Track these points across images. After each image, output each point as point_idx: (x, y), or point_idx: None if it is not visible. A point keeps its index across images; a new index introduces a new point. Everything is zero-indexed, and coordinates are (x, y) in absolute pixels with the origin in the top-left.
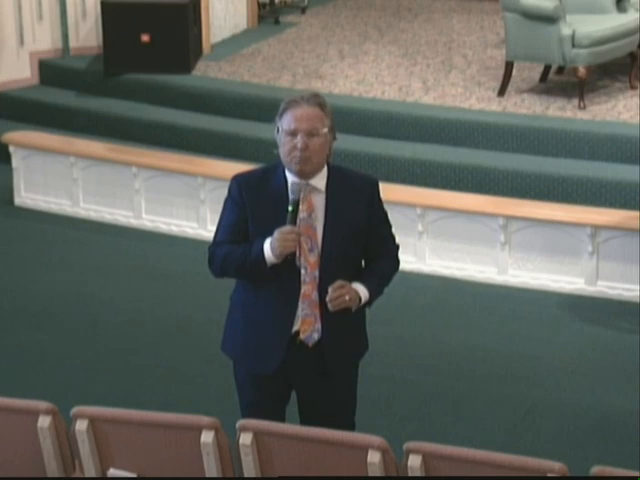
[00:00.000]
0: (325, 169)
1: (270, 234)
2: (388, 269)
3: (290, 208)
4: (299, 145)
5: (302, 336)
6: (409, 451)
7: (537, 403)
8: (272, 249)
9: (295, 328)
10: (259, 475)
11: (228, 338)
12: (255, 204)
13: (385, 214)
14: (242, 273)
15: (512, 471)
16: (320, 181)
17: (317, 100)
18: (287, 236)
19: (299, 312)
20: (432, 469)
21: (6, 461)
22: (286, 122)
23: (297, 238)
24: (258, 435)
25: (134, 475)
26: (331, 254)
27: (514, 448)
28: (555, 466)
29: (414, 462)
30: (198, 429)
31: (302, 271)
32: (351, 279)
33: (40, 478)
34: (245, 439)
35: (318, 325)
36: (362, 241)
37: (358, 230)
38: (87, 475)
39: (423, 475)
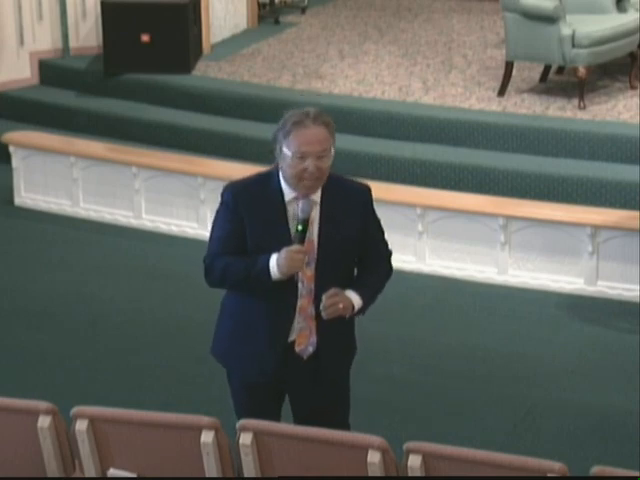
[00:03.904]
0: None
1: (267, 245)
2: (381, 277)
3: (300, 227)
4: (311, 169)
5: (297, 349)
6: (409, 451)
7: (537, 403)
8: (279, 267)
9: (291, 338)
10: (259, 475)
11: (218, 343)
12: (251, 214)
13: (378, 221)
14: (242, 286)
15: (512, 471)
16: (316, 194)
17: (323, 119)
18: (295, 255)
19: (295, 324)
20: (432, 469)
21: (6, 461)
22: (294, 144)
23: (304, 257)
24: (258, 435)
25: (134, 475)
26: (326, 266)
27: (514, 448)
28: (555, 466)
29: (414, 462)
30: (198, 429)
31: (299, 285)
32: (344, 288)
33: (40, 478)
34: (245, 439)
35: (313, 338)
36: (356, 250)
37: (352, 240)
38: (87, 475)
39: (423, 475)
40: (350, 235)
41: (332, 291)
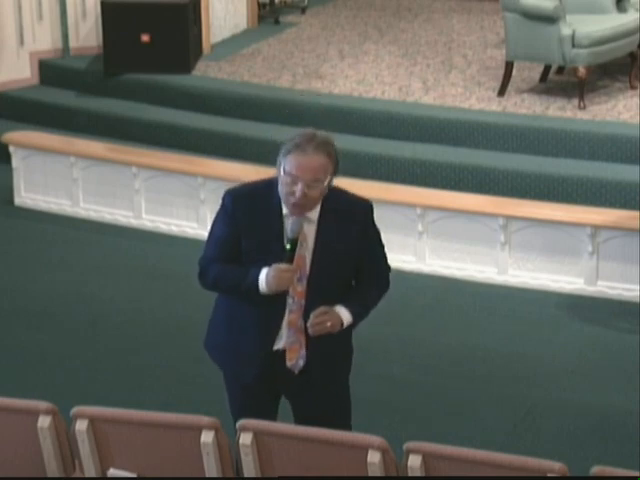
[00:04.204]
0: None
1: (261, 255)
2: (377, 293)
3: (288, 246)
4: (298, 194)
5: (289, 364)
6: (409, 451)
7: (537, 403)
8: (267, 283)
9: (276, 347)
10: (259, 475)
11: (211, 340)
12: (248, 222)
13: (378, 236)
14: (233, 295)
15: (512, 471)
16: (313, 212)
17: (326, 149)
18: (283, 274)
19: (282, 333)
20: (432, 469)
21: (6, 461)
22: (289, 165)
23: (293, 276)
24: (258, 435)
25: (134, 475)
26: (318, 282)
27: (514, 448)
28: (555, 466)
29: (414, 462)
30: (198, 429)
31: (289, 300)
32: (336, 302)
33: (40, 478)
34: (245, 439)
35: (303, 351)
36: (351, 266)
37: (347, 257)
38: (87, 475)
39: (423, 475)
40: (346, 252)
41: (321, 309)
